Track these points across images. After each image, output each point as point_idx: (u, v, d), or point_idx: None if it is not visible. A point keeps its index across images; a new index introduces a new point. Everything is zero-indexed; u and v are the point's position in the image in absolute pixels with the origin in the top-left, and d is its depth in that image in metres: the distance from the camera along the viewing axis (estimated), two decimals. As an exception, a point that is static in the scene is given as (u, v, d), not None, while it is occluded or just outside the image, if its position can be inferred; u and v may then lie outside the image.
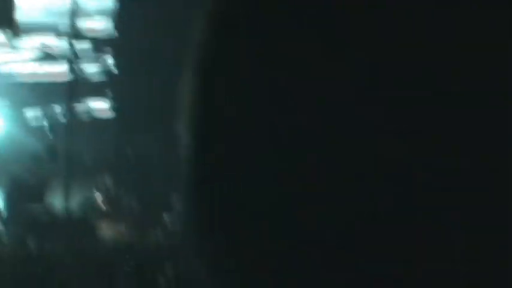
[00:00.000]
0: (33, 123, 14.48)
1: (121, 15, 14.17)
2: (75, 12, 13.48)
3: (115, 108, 14.22)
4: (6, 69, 14.41)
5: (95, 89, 14.02)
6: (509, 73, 0.56)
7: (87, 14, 13.92)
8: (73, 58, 13.08)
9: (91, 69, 14.03)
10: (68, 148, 13.09)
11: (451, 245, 0.58)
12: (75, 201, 12.72)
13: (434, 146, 0.60)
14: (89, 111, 13.88)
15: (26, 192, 12.72)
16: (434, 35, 0.58)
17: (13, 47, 14.06)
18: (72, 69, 13.27)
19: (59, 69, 14.00)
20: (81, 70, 13.49)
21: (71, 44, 13.29)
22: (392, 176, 0.59)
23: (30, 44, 14.19)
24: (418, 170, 0.58)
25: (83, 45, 13.96)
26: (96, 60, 14.36)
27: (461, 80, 0.57)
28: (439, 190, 0.58)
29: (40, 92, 13.99)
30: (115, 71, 14.14)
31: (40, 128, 14.11)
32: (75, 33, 13.82)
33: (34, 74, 14.27)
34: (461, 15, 0.58)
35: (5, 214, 12.43)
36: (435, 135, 0.59)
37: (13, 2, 12.96)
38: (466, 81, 0.57)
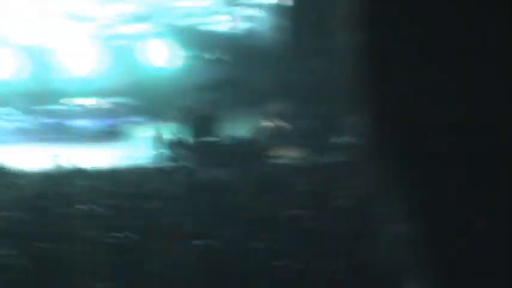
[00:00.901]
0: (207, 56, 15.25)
1: None
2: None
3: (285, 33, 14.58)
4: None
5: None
6: None
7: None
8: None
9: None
10: (239, 76, 13.63)
11: None
12: (247, 129, 13.17)
13: None
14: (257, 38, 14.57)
15: (202, 123, 13.31)
16: None
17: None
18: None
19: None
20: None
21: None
22: None
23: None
24: None
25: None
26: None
27: None
28: None
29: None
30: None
31: (211, 60, 14.74)
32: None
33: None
34: None
35: (181, 143, 13.15)
36: None
37: None
38: None
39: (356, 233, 8.46)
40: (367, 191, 7.92)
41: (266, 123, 13.28)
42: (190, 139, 13.17)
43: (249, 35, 14.97)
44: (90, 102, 15.78)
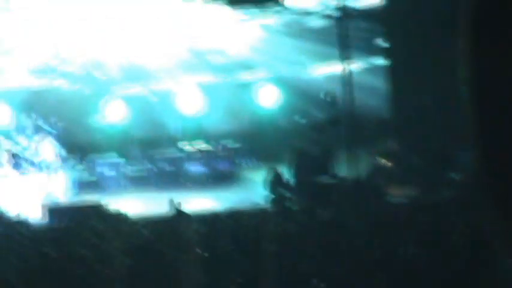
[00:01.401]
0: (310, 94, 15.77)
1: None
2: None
3: (389, 68, 14.87)
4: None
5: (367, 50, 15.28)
6: None
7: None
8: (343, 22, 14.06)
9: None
10: (348, 115, 13.48)
11: None
12: (360, 167, 13.01)
13: None
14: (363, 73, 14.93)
15: (312, 163, 13.27)
16: None
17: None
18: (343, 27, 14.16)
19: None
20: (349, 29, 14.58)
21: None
22: None
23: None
24: None
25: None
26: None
27: None
28: None
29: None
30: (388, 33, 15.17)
31: (319, 100, 14.95)
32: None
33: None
34: None
35: (293, 184, 12.98)
36: None
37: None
38: None
39: (473, 268, 8.28)
40: (482, 227, 7.85)
41: (379, 161, 13.23)
42: (303, 179, 13.15)
43: (356, 73, 15.24)
44: (203, 146, 16.22)
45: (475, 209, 9.50)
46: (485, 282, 7.88)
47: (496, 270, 7.40)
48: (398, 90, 14.84)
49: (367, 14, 16.41)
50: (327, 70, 16.24)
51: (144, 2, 16.77)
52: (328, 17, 16.10)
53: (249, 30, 16.85)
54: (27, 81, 17.69)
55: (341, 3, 15.15)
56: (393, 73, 15.28)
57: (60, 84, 17.70)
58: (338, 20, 15.61)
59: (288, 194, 13.03)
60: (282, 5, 16.36)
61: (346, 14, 15.29)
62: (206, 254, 10.28)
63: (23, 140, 15.19)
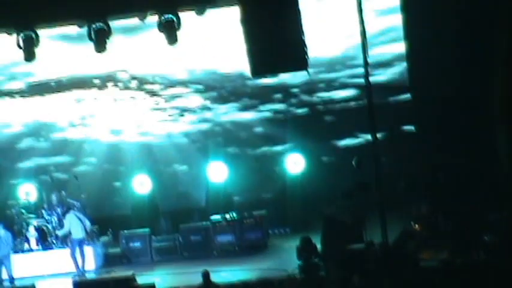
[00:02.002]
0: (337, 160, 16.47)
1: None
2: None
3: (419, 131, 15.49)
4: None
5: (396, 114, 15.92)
6: None
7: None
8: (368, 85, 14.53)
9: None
10: (378, 179, 13.34)
11: None
12: (394, 234, 12.64)
13: None
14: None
15: (343, 230, 13.13)
16: None
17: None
18: (368, 96, 14.55)
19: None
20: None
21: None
22: None
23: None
24: None
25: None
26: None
27: None
28: None
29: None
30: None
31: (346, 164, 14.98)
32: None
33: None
34: None
35: (324, 252, 12.79)
36: None
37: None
38: None
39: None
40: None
41: (411, 226, 13.18)
42: (334, 247, 12.80)
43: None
44: (232, 215, 16.15)
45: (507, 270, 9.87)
46: None
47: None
48: (428, 152, 14.95)
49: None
50: (352, 142, 16.83)
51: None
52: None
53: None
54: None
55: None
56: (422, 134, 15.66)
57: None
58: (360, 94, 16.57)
59: (319, 262, 12.84)
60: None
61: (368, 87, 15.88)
62: None
63: (49, 214, 15.59)
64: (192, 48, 16.23)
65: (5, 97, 18.45)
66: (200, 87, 17.99)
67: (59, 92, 17.92)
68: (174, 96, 17.95)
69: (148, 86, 17.93)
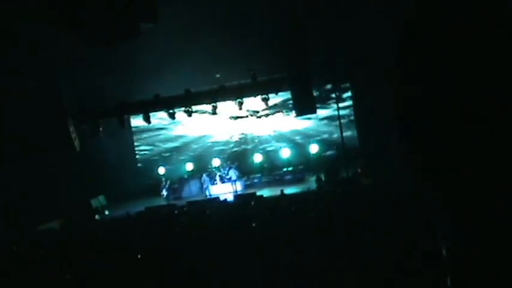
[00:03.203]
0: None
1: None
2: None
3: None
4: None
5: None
6: None
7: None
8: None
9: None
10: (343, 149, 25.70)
11: None
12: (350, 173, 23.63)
13: None
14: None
15: (334, 173, 23.34)
16: None
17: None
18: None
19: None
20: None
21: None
22: None
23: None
24: None
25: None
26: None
27: None
28: None
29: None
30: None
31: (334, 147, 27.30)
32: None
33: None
34: None
35: (326, 180, 23.49)
36: None
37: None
38: None
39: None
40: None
41: (357, 170, 25.16)
42: (329, 178, 22.93)
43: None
44: (290, 168, 27.68)
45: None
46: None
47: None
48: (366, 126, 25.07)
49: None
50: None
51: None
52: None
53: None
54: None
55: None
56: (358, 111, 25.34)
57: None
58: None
59: (324, 184, 22.74)
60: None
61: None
62: (294, 207, 13.85)
63: (223, 170, 27.14)
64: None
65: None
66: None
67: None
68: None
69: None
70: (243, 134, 30.27)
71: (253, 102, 26.92)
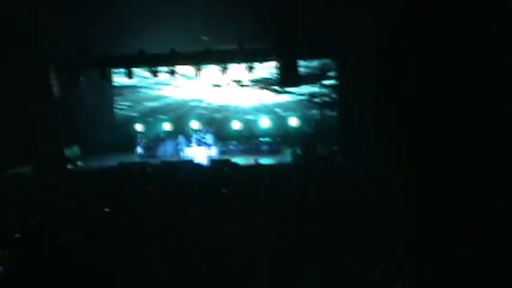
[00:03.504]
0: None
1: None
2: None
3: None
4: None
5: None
6: None
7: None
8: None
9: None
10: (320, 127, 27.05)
11: None
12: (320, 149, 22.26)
13: None
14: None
15: (309, 147, 22.46)
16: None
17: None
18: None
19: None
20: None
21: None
22: None
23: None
24: None
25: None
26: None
27: None
28: None
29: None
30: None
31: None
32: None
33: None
34: None
35: (302, 155, 21.69)
36: None
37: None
38: None
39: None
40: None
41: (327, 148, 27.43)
42: (305, 153, 22.12)
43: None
44: (268, 139, 26.71)
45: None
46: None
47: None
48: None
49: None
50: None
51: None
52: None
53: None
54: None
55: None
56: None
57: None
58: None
59: (300, 159, 21.92)
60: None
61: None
62: (268, 178, 13.75)
63: (200, 134, 25.35)
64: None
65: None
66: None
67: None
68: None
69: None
70: (224, 101, 29.97)
71: (237, 71, 27.25)
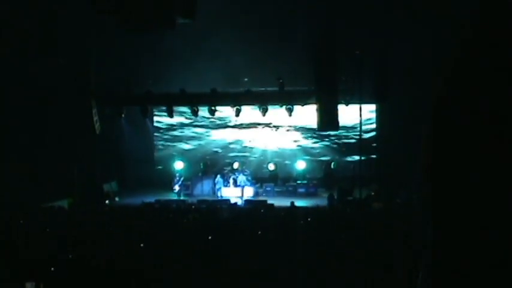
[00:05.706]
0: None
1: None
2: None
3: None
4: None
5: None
6: None
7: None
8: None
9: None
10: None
11: None
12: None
13: None
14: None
15: (346, 192, 23.82)
16: None
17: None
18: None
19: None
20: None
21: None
22: None
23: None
24: None
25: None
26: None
27: None
28: None
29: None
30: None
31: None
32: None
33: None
34: None
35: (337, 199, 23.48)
36: None
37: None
38: None
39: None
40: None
41: (371, 193, 25.75)
42: (340, 197, 23.31)
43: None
44: (304, 181, 27.95)
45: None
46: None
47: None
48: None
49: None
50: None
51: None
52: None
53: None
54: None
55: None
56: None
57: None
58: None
59: (336, 202, 22.75)
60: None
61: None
62: (303, 221, 14.49)
63: (237, 174, 27.31)
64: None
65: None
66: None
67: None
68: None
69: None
70: (262, 143, 30.90)
71: (277, 113, 27.83)
